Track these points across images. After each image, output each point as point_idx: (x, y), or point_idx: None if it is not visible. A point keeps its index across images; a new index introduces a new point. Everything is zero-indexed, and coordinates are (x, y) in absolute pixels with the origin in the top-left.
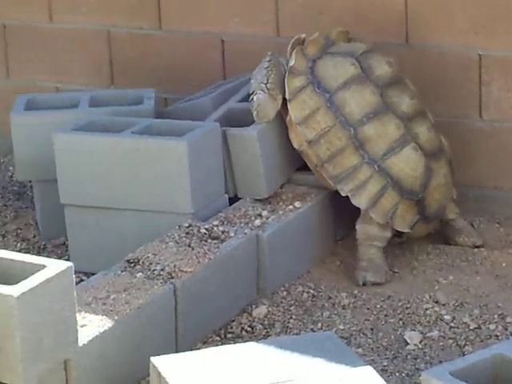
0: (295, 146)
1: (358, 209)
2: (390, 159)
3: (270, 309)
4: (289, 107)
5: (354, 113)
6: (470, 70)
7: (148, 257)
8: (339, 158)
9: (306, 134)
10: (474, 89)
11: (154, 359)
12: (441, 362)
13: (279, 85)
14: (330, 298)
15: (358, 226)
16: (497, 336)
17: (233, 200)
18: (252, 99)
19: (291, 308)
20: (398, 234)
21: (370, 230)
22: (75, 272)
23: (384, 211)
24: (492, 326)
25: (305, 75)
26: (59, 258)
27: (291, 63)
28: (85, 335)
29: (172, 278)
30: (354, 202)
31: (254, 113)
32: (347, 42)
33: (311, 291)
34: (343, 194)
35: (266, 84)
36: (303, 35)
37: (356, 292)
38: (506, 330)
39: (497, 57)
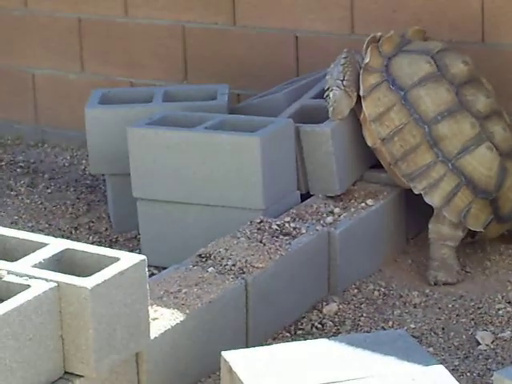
0: (369, 143)
1: (431, 207)
2: (464, 158)
3: (340, 306)
4: (363, 104)
5: (428, 110)
6: None
7: (220, 252)
8: (413, 156)
9: (379, 131)
10: None
11: (225, 354)
12: None
13: (354, 82)
14: (401, 296)
15: (430, 225)
16: None
17: (304, 197)
18: (328, 95)
19: (362, 306)
20: (470, 234)
21: (442, 229)
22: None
23: (457, 210)
24: None
25: (380, 73)
26: (131, 251)
27: (366, 60)
28: (156, 328)
29: (243, 273)
30: (427, 200)
31: (330, 109)
32: (423, 41)
33: (382, 289)
34: (416, 192)
35: (342, 81)
36: (379, 33)
37: (427, 291)
38: None
39: None
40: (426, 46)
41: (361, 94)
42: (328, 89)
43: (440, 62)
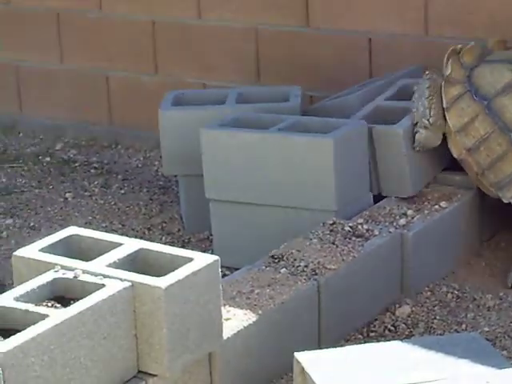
0: (455, 154)
1: (506, 210)
2: None
3: (413, 308)
4: (446, 116)
5: None
6: None
7: (292, 253)
8: (500, 165)
9: (465, 141)
10: None
11: (297, 355)
12: None
13: (440, 111)
14: (474, 299)
15: None
16: None
17: (377, 198)
18: (416, 131)
19: (435, 308)
20: None
21: None
22: None
23: None
24: None
25: (462, 84)
26: (203, 251)
27: (447, 72)
28: (229, 329)
29: (316, 274)
30: None
31: (417, 148)
32: (505, 50)
33: (456, 292)
34: (505, 201)
35: (428, 119)
36: (459, 45)
37: (501, 294)
38: None
39: None
40: (508, 54)
41: (444, 105)
42: (416, 124)
43: None
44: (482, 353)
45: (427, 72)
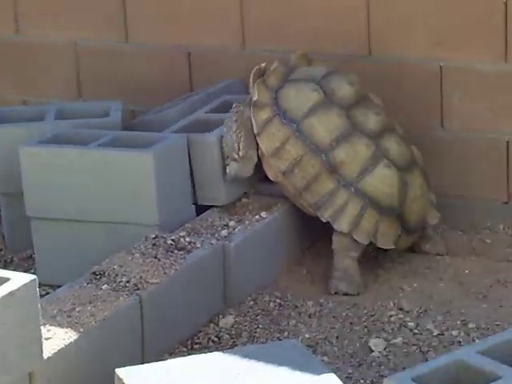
0: (271, 178)
1: None
2: (364, 179)
3: (236, 319)
4: (258, 141)
5: (323, 138)
6: (432, 82)
7: (114, 268)
8: (315, 186)
9: (279, 165)
10: (436, 100)
11: (118, 371)
12: (404, 368)
13: (251, 142)
14: (296, 306)
15: (334, 236)
16: (459, 342)
17: (200, 209)
18: (227, 164)
19: (258, 317)
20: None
21: (345, 240)
22: (42, 285)
23: (366, 232)
24: (455, 333)
25: (270, 107)
26: (26, 271)
27: (255, 98)
28: (49, 348)
29: (138, 289)
30: (336, 227)
31: (228, 180)
32: (308, 65)
33: (278, 300)
34: (324, 221)
35: (238, 153)
36: (263, 65)
37: (322, 300)
38: (469, 335)
39: (457, 68)
40: (311, 72)
41: (255, 131)
42: (227, 157)
43: (326, 88)
44: (301, 359)
45: (234, 105)
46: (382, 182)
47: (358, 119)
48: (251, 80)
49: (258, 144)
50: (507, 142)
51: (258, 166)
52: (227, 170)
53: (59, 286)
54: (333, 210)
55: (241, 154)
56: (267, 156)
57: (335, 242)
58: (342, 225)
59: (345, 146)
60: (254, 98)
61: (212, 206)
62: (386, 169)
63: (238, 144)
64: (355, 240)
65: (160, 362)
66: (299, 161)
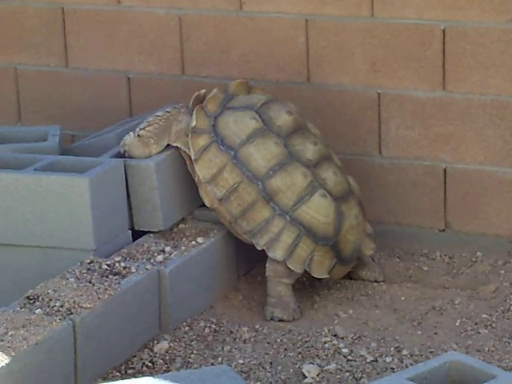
0: (207, 204)
1: None
2: (300, 208)
3: (171, 344)
4: (196, 167)
5: (260, 167)
6: (370, 108)
7: (48, 293)
8: (251, 213)
9: (215, 192)
10: (374, 126)
11: None
12: None
13: (159, 137)
14: (231, 332)
15: (267, 264)
16: (393, 368)
17: (137, 234)
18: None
19: (192, 343)
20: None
21: (278, 267)
22: None
23: (301, 260)
24: (388, 359)
25: (208, 133)
26: None
27: (193, 124)
28: None
29: (71, 313)
30: (270, 254)
31: (122, 151)
32: (247, 92)
33: (213, 326)
34: (259, 248)
35: (140, 129)
36: (203, 91)
37: (257, 326)
38: (402, 362)
39: (395, 95)
40: (250, 100)
41: (192, 157)
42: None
43: (265, 116)
44: None
45: (182, 105)
46: (317, 211)
47: (295, 148)
48: (191, 104)
49: (194, 170)
50: (444, 169)
51: (193, 186)
52: (123, 138)
53: None
54: (268, 238)
55: (141, 132)
56: (204, 182)
57: (269, 270)
58: (276, 253)
59: (281, 175)
60: (193, 124)
61: (149, 232)
62: (322, 198)
63: (148, 124)
64: (289, 268)
65: None
66: (236, 188)
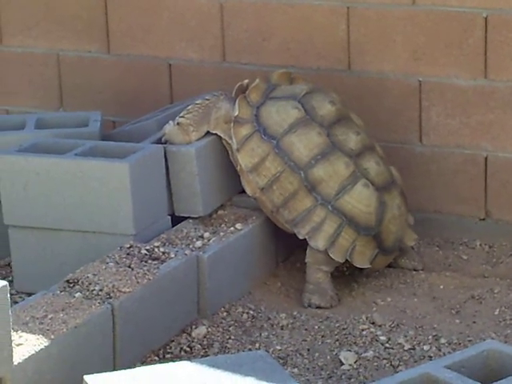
0: (249, 193)
1: None
2: (342, 198)
3: (209, 329)
4: (238, 157)
5: (302, 156)
6: (411, 96)
7: (87, 277)
8: (293, 202)
9: (257, 181)
10: (415, 114)
11: (87, 377)
12: (374, 381)
13: (198, 124)
14: (269, 318)
15: (308, 250)
16: (430, 357)
17: (176, 220)
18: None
19: (230, 328)
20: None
21: (319, 254)
22: (19, 293)
23: (342, 250)
24: (426, 347)
25: (250, 123)
26: (4, 278)
27: (236, 113)
28: (20, 354)
29: (110, 298)
30: (312, 244)
31: (163, 140)
32: (290, 83)
33: (251, 312)
34: (301, 238)
35: (180, 117)
36: (246, 81)
37: (295, 313)
38: (440, 350)
39: (436, 83)
40: (293, 90)
41: (234, 146)
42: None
43: (308, 106)
44: (268, 371)
45: (221, 92)
46: (359, 200)
47: (338, 138)
48: (233, 94)
49: (236, 159)
50: (485, 158)
51: (233, 172)
52: (164, 126)
53: None
54: (310, 227)
55: (181, 120)
56: (246, 171)
57: (309, 256)
58: (318, 242)
59: (324, 164)
60: (235, 114)
61: (188, 217)
62: (365, 188)
63: (187, 112)
64: (329, 256)
65: (129, 370)
66: (278, 177)
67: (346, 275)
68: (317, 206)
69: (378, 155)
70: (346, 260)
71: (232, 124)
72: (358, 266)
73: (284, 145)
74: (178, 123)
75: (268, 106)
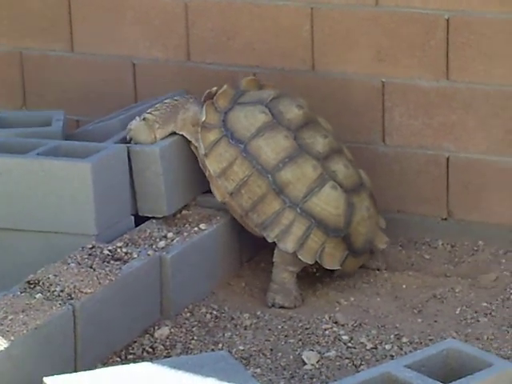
0: (218, 199)
1: None
2: (310, 200)
3: (172, 330)
4: (206, 162)
5: (269, 159)
6: (374, 97)
7: (49, 278)
8: (261, 206)
9: (226, 186)
10: (378, 115)
11: (47, 379)
12: (336, 381)
13: (165, 123)
14: (232, 318)
15: (276, 250)
16: (392, 356)
17: (140, 220)
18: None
19: (193, 329)
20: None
21: (287, 255)
22: None
23: (312, 252)
24: (388, 346)
25: (218, 128)
26: None
27: (203, 118)
28: None
29: (71, 298)
30: (281, 246)
31: (128, 137)
32: (258, 89)
33: (214, 312)
34: (270, 241)
35: (147, 113)
36: (215, 88)
37: (259, 313)
38: (402, 349)
39: (399, 84)
40: (260, 95)
41: (202, 152)
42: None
43: (275, 110)
44: (230, 371)
45: (192, 96)
46: (327, 202)
47: (305, 141)
48: (202, 101)
49: (205, 164)
50: (447, 158)
51: (197, 172)
52: (130, 123)
53: None
54: (279, 230)
55: (148, 116)
56: (214, 177)
57: (277, 256)
58: (287, 245)
59: (291, 167)
60: (203, 119)
61: (152, 218)
62: (333, 190)
63: (156, 109)
64: (296, 255)
65: (89, 371)
66: (246, 181)
67: (310, 275)
68: (285, 208)
69: (347, 158)
70: (316, 262)
71: (199, 129)
72: (327, 267)
73: (251, 149)
74: (144, 118)
75: (236, 111)
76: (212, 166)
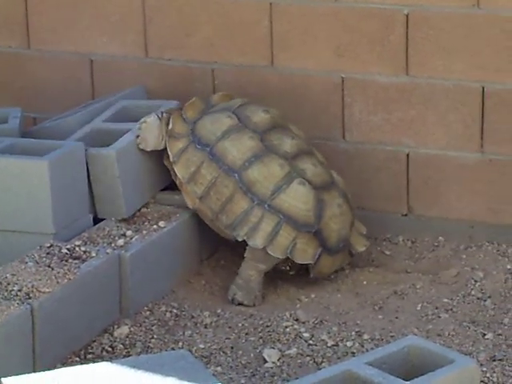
0: (190, 206)
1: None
2: (278, 197)
3: (132, 329)
4: (175, 169)
5: (235, 159)
6: (334, 93)
7: (6, 277)
8: (230, 206)
9: (195, 190)
10: (338, 111)
11: (5, 380)
12: (297, 378)
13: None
14: (192, 317)
15: (248, 247)
16: (353, 353)
17: (99, 221)
18: (142, 121)
19: (153, 328)
20: (305, 271)
21: (258, 251)
22: None
23: (282, 247)
24: (349, 343)
25: (186, 137)
26: None
27: (170, 127)
28: None
29: (29, 298)
30: (251, 243)
31: (138, 131)
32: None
33: (174, 311)
34: (240, 239)
35: (162, 112)
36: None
37: (219, 311)
38: (363, 346)
39: (359, 80)
40: (228, 104)
41: (171, 159)
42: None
43: (241, 115)
44: (190, 370)
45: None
46: (296, 198)
47: (272, 143)
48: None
49: (175, 173)
50: (407, 154)
51: (155, 170)
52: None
53: None
54: (247, 228)
55: (165, 115)
56: (184, 183)
57: (248, 252)
58: (256, 241)
59: (258, 166)
60: (170, 128)
61: None
62: (300, 186)
63: (165, 112)
64: (268, 254)
65: (48, 372)
66: (214, 183)
67: (270, 272)
68: (253, 206)
69: (317, 159)
70: (290, 260)
71: (167, 139)
72: (299, 262)
73: (218, 151)
74: (161, 116)
75: (204, 119)
76: (181, 172)
